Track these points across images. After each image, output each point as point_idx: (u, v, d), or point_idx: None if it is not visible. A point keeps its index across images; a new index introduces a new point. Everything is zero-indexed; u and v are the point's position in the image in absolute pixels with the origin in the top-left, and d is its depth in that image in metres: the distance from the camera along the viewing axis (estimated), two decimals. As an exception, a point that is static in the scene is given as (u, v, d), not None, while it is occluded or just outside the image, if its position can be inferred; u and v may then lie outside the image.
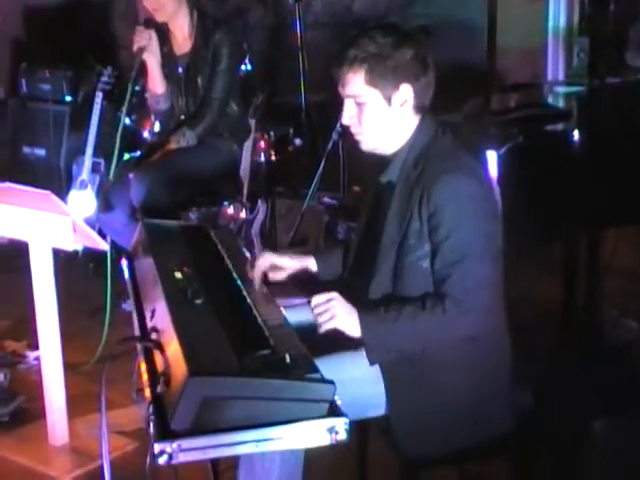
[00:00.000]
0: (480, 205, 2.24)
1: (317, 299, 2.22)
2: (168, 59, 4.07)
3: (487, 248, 2.22)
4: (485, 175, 2.34)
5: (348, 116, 2.33)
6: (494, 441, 2.28)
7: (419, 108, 2.33)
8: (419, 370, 2.26)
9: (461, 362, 2.27)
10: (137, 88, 4.76)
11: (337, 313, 2.19)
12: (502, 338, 2.35)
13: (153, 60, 3.99)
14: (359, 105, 2.31)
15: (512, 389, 2.34)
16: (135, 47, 3.91)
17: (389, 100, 2.29)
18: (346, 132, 2.44)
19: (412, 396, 2.27)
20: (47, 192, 2.99)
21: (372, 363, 2.23)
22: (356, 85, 2.28)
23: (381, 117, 2.31)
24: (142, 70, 4.06)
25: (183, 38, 4.08)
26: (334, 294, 2.23)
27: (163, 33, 4.07)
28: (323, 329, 2.20)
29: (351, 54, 2.26)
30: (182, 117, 4.13)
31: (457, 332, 2.21)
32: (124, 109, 3.86)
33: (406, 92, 2.29)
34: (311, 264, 2.60)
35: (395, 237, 2.28)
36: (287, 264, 2.56)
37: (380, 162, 2.40)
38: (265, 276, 2.53)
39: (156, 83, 4.05)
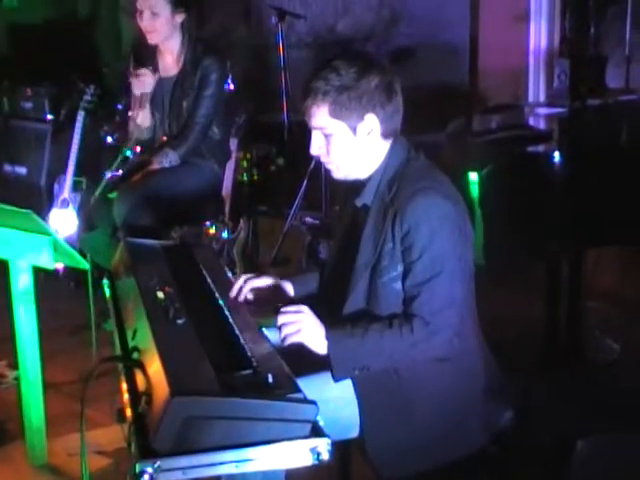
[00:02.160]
0: (452, 226, 2.24)
1: (286, 309, 2.21)
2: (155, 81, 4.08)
3: (458, 269, 2.22)
4: (458, 196, 2.34)
5: (316, 147, 2.34)
6: (469, 459, 2.27)
7: (388, 134, 2.33)
8: (392, 391, 2.26)
9: (434, 382, 2.27)
10: (119, 106, 4.77)
11: (303, 327, 2.18)
12: (475, 357, 2.35)
13: (147, 98, 4.03)
14: (326, 136, 2.32)
15: (487, 407, 2.33)
16: (138, 90, 3.99)
17: (354, 130, 2.29)
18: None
19: (385, 417, 2.26)
20: (28, 211, 2.97)
21: (336, 379, 2.20)
22: (321, 118, 2.29)
23: (348, 147, 2.31)
24: (125, 90, 4.08)
25: (172, 60, 4.09)
26: (303, 307, 2.23)
27: (151, 55, 4.08)
28: (287, 342, 2.18)
29: (314, 87, 2.26)
30: (164, 138, 4.13)
31: (424, 352, 2.21)
32: (113, 167, 3.90)
33: (371, 122, 2.29)
34: (288, 288, 2.59)
35: (369, 258, 2.29)
36: (264, 283, 2.54)
37: (359, 184, 2.40)
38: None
39: (144, 117, 4.08)
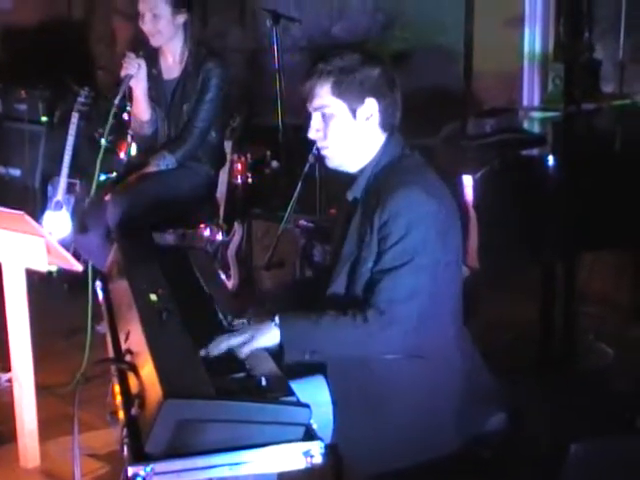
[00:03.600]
0: (431, 221, 2.23)
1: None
2: (156, 82, 4.07)
3: (428, 263, 2.21)
4: (446, 197, 2.33)
5: (315, 129, 2.36)
6: (445, 460, 2.26)
7: (385, 126, 2.35)
8: (364, 386, 2.25)
9: (406, 378, 2.26)
10: (114, 110, 4.76)
11: (253, 335, 2.18)
12: (453, 357, 2.33)
13: (140, 88, 3.99)
14: (325, 118, 2.34)
15: (466, 409, 2.31)
16: (123, 73, 3.91)
17: (354, 112, 2.32)
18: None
19: (357, 412, 2.25)
20: (21, 213, 2.96)
21: (286, 360, 2.19)
22: (323, 97, 2.32)
23: (346, 130, 2.33)
24: (125, 94, 4.06)
25: (174, 62, 4.08)
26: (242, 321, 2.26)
27: (154, 55, 4.07)
28: (244, 354, 2.15)
29: (319, 67, 2.31)
30: (163, 140, 4.12)
31: (375, 344, 2.20)
32: (106, 132, 3.84)
33: (371, 106, 2.31)
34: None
35: (353, 249, 2.30)
36: None
37: (351, 180, 2.41)
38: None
39: (142, 110, 4.05)
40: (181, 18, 3.98)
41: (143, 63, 3.94)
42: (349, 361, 2.25)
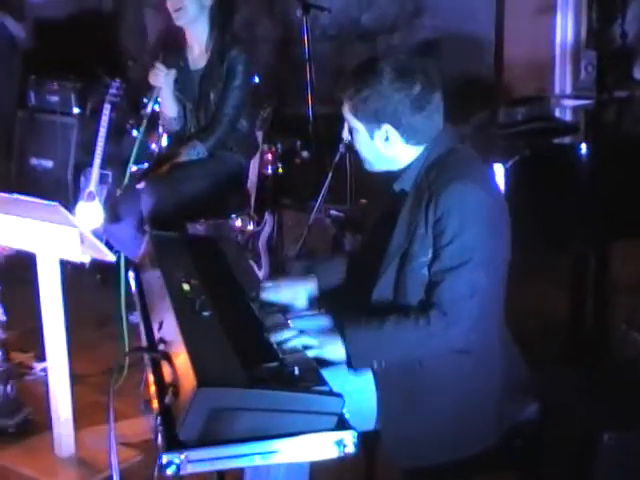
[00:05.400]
0: (486, 216, 2.22)
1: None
2: (183, 73, 4.09)
3: (485, 260, 2.20)
4: (497, 189, 2.33)
5: (346, 133, 2.37)
6: (487, 453, 2.27)
7: (416, 141, 2.30)
8: (410, 381, 2.25)
9: (452, 373, 2.25)
10: (145, 100, 4.78)
11: (322, 346, 2.20)
12: (496, 353, 2.32)
13: (167, 91, 4.03)
14: (350, 130, 2.35)
15: (506, 404, 2.31)
16: (152, 82, 3.99)
17: (371, 134, 2.30)
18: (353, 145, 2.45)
19: (402, 406, 2.26)
20: (54, 203, 2.98)
21: (354, 369, 2.21)
22: (345, 111, 2.32)
23: (368, 147, 2.33)
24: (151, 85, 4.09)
25: (200, 52, 4.09)
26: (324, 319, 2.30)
27: (180, 46, 4.09)
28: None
29: (349, 80, 2.29)
30: (192, 130, 4.14)
31: (440, 344, 2.20)
32: (141, 133, 3.90)
33: (388, 131, 2.28)
34: (311, 286, 2.59)
35: (402, 243, 2.28)
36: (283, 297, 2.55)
37: (388, 176, 2.40)
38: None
39: (169, 108, 4.09)
40: (208, 0, 3.98)
41: (171, 71, 3.98)
42: (408, 358, 2.26)
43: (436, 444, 2.25)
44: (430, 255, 2.22)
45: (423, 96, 2.25)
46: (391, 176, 2.39)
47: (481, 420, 2.27)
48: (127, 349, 3.47)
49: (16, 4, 5.89)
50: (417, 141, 2.31)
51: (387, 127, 2.27)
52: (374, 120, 2.27)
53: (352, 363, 2.20)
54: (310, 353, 2.16)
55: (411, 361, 2.24)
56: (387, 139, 2.29)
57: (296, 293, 2.58)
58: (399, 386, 2.26)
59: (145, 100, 4.78)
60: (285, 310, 2.50)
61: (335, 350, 2.20)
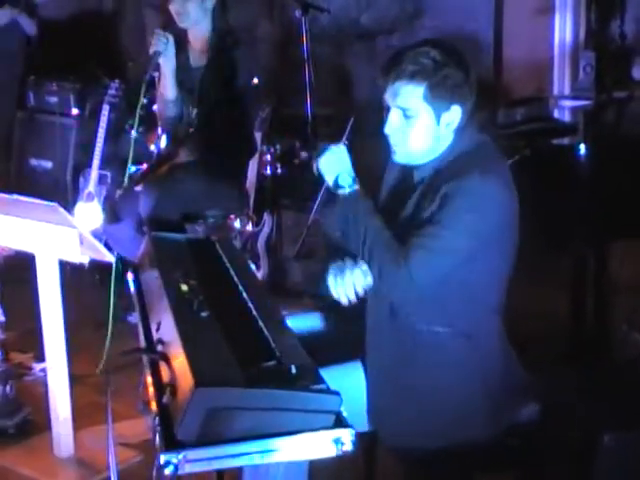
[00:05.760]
0: (498, 209, 2.24)
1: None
2: (184, 69, 4.08)
3: (478, 242, 2.21)
4: (514, 190, 2.32)
5: (392, 126, 2.31)
6: (475, 447, 2.27)
7: (461, 128, 2.31)
8: (404, 372, 2.27)
9: (450, 357, 2.27)
10: (145, 100, 4.77)
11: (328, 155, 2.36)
12: (493, 343, 2.34)
13: (168, 64, 3.96)
14: (407, 118, 2.29)
15: (502, 398, 2.32)
16: (151, 50, 3.91)
17: (439, 118, 2.27)
18: (353, 145, 2.45)
19: (395, 395, 2.28)
20: (54, 204, 2.99)
21: (323, 222, 2.34)
22: (410, 99, 2.26)
23: (426, 133, 2.29)
24: (151, 82, 4.07)
25: (201, 50, 4.08)
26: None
27: (182, 42, 4.08)
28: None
29: (412, 66, 2.23)
30: (191, 129, 4.13)
31: (393, 284, 2.22)
32: (138, 109, 3.85)
33: (455, 113, 2.28)
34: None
35: (408, 216, 2.31)
36: None
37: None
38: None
39: (168, 88, 4.03)
40: (210, 2, 3.98)
41: (171, 38, 3.93)
42: (390, 332, 2.28)
43: (429, 428, 2.25)
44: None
45: (473, 81, 2.30)
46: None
47: (475, 408, 2.27)
48: (121, 350, 3.48)
49: (28, 1, 5.91)
50: (463, 127, 2.31)
51: (456, 108, 2.27)
52: (448, 100, 2.25)
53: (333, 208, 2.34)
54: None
55: (403, 337, 2.27)
56: (450, 122, 2.28)
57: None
58: (391, 378, 2.27)
59: (145, 101, 4.79)
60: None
61: (338, 173, 2.34)
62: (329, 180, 2.35)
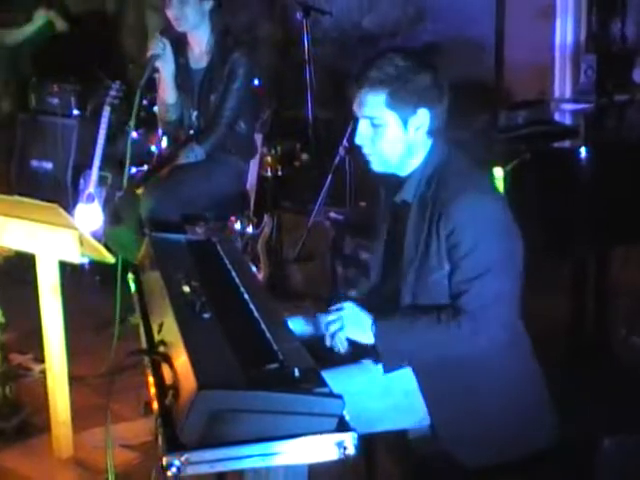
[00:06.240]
0: (499, 223, 2.26)
1: (329, 309, 2.27)
2: (184, 71, 4.08)
3: (506, 265, 2.24)
4: (498, 193, 2.36)
5: (362, 136, 2.33)
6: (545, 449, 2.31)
7: (433, 132, 2.33)
8: (454, 378, 2.28)
9: (498, 370, 2.29)
10: (145, 102, 4.78)
11: (347, 323, 2.23)
12: (526, 348, 2.40)
13: (167, 68, 3.99)
14: (375, 127, 2.31)
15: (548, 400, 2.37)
16: (148, 54, 3.92)
17: (406, 123, 2.29)
18: (353, 148, 2.45)
19: (451, 405, 2.28)
20: (54, 205, 2.99)
21: (385, 371, 2.24)
22: (375, 107, 2.28)
23: (395, 140, 2.31)
24: (151, 83, 4.07)
25: (200, 52, 4.09)
26: (346, 304, 2.28)
27: (181, 44, 4.08)
28: (335, 340, 2.24)
29: (373, 75, 2.26)
30: (191, 131, 4.13)
31: (470, 348, 2.24)
32: (133, 114, 3.85)
33: (423, 116, 2.29)
34: None
35: (412, 256, 2.30)
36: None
37: (390, 178, 2.41)
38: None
39: (168, 92, 4.05)
40: (207, 5, 3.98)
41: (168, 43, 3.95)
42: (435, 359, 2.28)
43: (493, 441, 2.27)
44: (447, 267, 2.25)
45: (442, 84, 2.31)
46: (392, 185, 2.41)
47: (541, 412, 2.33)
48: (122, 351, 3.47)
49: (62, 2, 5.97)
50: (435, 131, 2.32)
51: (423, 111, 2.28)
52: (412, 105, 2.27)
53: (384, 365, 2.23)
54: (338, 334, 2.23)
55: (447, 361, 2.26)
56: (420, 126, 2.30)
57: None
58: (442, 384, 2.28)
59: (145, 102, 4.80)
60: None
61: (362, 335, 2.24)
62: (366, 339, 2.25)
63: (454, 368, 2.27)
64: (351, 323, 2.24)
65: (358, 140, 2.34)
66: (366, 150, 2.35)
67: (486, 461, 2.27)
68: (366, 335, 2.23)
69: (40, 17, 5.79)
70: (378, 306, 2.33)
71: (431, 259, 2.26)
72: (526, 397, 2.32)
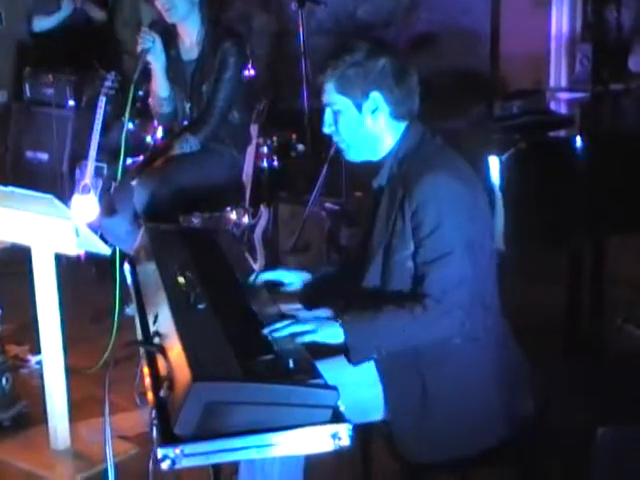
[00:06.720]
0: (462, 204, 2.24)
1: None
2: (175, 63, 4.07)
3: (468, 248, 2.22)
4: (471, 177, 2.34)
5: (327, 124, 2.39)
6: (494, 448, 2.27)
7: (399, 115, 2.34)
8: (412, 372, 2.26)
9: (458, 363, 2.27)
10: (140, 93, 4.77)
11: (315, 327, 2.19)
12: (499, 338, 2.35)
13: (157, 62, 3.98)
14: (335, 113, 2.36)
15: (511, 397, 2.32)
16: (139, 48, 3.92)
17: (359, 107, 2.32)
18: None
19: (410, 400, 2.27)
20: (50, 196, 2.98)
21: (354, 364, 2.21)
22: (329, 93, 2.34)
23: (355, 125, 2.34)
24: (146, 75, 4.06)
25: (191, 43, 4.08)
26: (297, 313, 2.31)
27: (171, 36, 4.07)
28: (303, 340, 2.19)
29: (330, 64, 2.32)
30: (185, 122, 4.13)
31: (437, 331, 2.22)
32: (127, 111, 3.85)
33: (376, 100, 2.31)
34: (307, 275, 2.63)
35: (382, 238, 2.31)
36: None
37: (377, 167, 2.42)
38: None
39: (160, 86, 4.04)
40: None
41: (157, 37, 3.94)
42: (401, 348, 2.26)
43: (445, 436, 2.25)
44: (412, 248, 2.25)
45: (402, 68, 2.32)
46: (372, 172, 2.41)
47: (492, 412, 2.28)
48: (118, 342, 3.48)
49: None
50: (400, 115, 2.34)
51: (375, 95, 2.31)
52: (362, 89, 2.30)
53: (351, 357, 2.20)
54: (305, 338, 2.16)
55: (410, 351, 2.25)
56: (376, 109, 2.32)
57: (291, 275, 2.62)
58: (401, 377, 2.27)
59: (141, 93, 4.78)
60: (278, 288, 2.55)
61: (332, 334, 2.20)
62: (338, 338, 2.21)
63: (412, 364, 2.25)
64: (321, 328, 2.20)
65: (325, 129, 2.39)
66: (335, 138, 2.40)
67: (430, 458, 2.25)
68: (336, 333, 2.19)
69: (67, 5, 5.81)
70: (345, 290, 2.34)
71: (395, 239, 2.27)
72: (483, 397, 2.28)
